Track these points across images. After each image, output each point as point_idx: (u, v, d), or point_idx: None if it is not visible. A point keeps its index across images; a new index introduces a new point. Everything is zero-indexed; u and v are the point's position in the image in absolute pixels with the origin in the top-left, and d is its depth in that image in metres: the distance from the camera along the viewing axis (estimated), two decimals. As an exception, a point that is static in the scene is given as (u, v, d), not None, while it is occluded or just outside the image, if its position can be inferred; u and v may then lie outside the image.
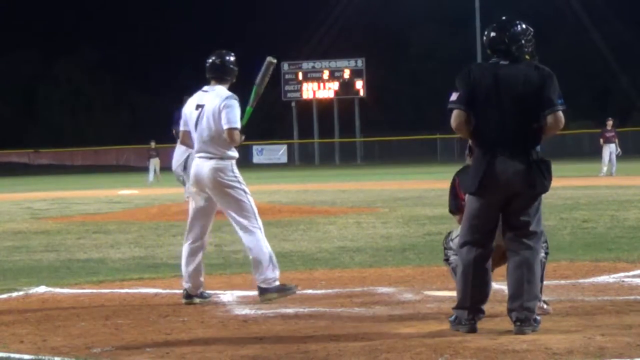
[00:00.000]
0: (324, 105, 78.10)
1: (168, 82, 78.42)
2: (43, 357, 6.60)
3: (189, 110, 9.00)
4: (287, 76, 76.90)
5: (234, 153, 8.91)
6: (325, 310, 8.29)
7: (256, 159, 73.45)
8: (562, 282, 9.53)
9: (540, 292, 7.54)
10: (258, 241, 8.87)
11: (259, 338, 7.13)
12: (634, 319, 7.51)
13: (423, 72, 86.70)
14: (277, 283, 8.81)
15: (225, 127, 8.72)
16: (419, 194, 26.75)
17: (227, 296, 9.22)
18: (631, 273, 10.11)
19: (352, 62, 77.12)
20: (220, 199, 8.86)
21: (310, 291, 9.40)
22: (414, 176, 42.56)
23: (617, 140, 38.19)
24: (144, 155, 51.79)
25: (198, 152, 8.89)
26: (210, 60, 9.04)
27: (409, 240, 14.29)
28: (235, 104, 8.86)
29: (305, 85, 77.54)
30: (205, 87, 9.05)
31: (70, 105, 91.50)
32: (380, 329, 7.38)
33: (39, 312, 8.56)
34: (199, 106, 8.89)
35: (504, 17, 7.42)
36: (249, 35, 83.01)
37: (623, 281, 9.62)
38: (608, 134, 38.46)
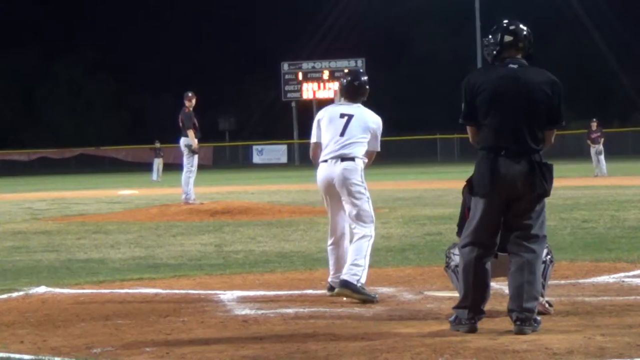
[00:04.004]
0: (324, 106, 77.88)
1: (168, 82, 78.46)
2: (43, 357, 6.60)
3: (327, 119, 9.28)
4: (287, 76, 76.81)
5: (365, 158, 9.23)
6: (325, 310, 8.29)
7: (256, 159, 73.42)
8: (562, 282, 9.52)
9: (544, 291, 7.60)
10: (362, 250, 8.96)
11: (259, 338, 7.13)
12: (634, 319, 7.52)
13: (423, 72, 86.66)
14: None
15: (371, 149, 9.19)
16: (418, 194, 26.74)
17: (227, 296, 9.20)
18: (631, 273, 10.12)
19: (352, 62, 77.09)
20: (346, 199, 9.08)
21: (310, 291, 9.39)
22: (413, 176, 42.54)
23: (602, 140, 38.25)
24: (145, 154, 51.87)
25: (330, 154, 9.12)
26: (346, 81, 9.47)
27: (409, 240, 14.29)
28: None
29: (305, 86, 77.48)
30: (343, 102, 9.39)
31: (70, 105, 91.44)
32: (380, 329, 7.38)
33: (39, 312, 8.54)
34: (344, 115, 9.21)
35: (506, 20, 7.40)
36: (249, 35, 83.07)
37: (623, 281, 9.62)
38: (593, 135, 38.53)
